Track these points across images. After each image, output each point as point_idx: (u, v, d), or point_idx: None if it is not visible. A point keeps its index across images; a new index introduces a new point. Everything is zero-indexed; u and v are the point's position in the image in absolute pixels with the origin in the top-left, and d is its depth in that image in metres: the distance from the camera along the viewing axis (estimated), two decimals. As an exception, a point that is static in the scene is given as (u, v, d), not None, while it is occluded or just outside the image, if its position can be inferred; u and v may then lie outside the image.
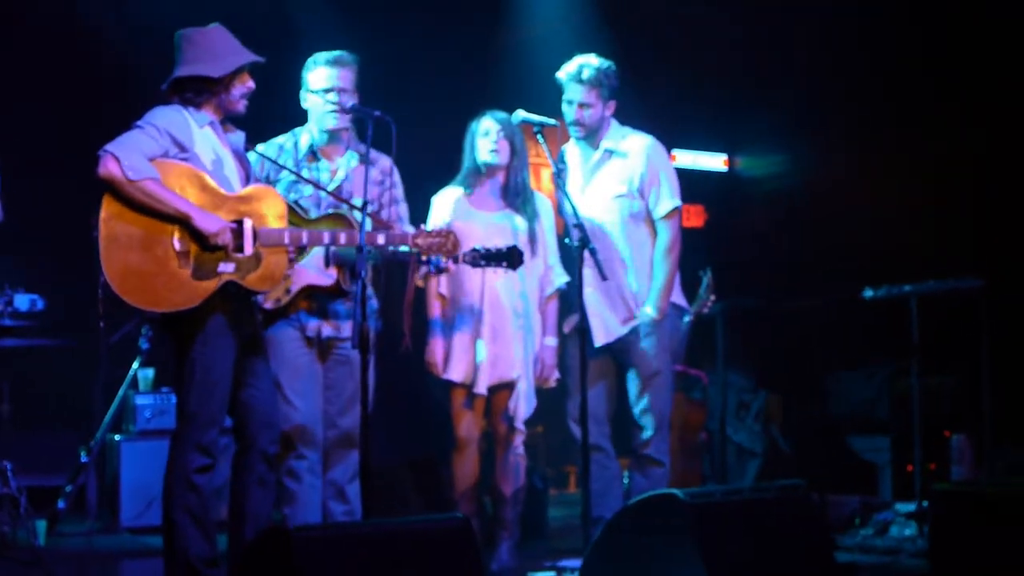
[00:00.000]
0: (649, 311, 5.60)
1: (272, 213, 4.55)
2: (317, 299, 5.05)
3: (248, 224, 4.47)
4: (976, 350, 6.47)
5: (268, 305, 5.00)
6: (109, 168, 4.27)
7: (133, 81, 5.53)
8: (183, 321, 4.45)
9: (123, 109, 4.54)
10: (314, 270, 4.96)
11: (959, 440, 6.67)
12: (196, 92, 4.55)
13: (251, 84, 4.65)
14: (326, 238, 4.65)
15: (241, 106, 4.64)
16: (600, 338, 5.63)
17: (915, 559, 5.73)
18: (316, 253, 4.93)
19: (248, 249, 4.46)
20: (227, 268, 4.44)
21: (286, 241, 4.54)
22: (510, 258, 5.06)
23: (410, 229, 5.19)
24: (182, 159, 4.45)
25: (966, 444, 6.65)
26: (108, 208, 4.31)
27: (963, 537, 4.85)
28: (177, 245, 4.37)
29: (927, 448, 6.50)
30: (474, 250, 5.03)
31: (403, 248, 4.83)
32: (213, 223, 4.38)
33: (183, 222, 4.36)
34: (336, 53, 5.12)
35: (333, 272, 4.95)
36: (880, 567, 5.73)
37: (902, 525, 6.30)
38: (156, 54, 4.91)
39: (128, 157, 4.28)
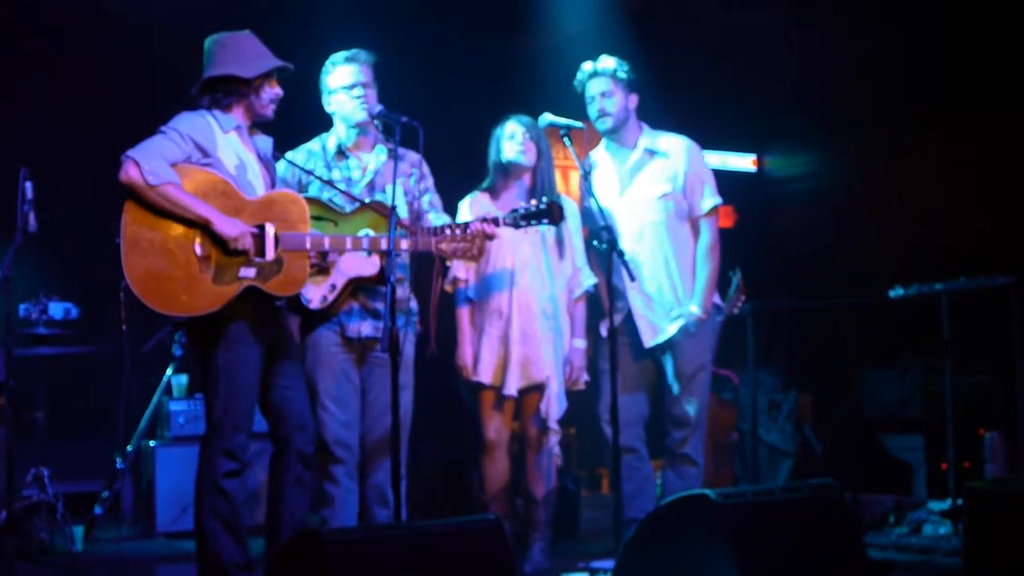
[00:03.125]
0: (694, 310, 5.61)
1: (295, 217, 4.57)
2: (362, 292, 5.05)
3: (270, 229, 4.49)
4: (1008, 347, 6.43)
5: (315, 305, 5.00)
6: (129, 173, 4.31)
7: (162, 86, 5.57)
8: (206, 326, 4.48)
9: (152, 115, 4.57)
10: (358, 261, 4.96)
11: (993, 438, 6.63)
12: (226, 93, 4.60)
13: (280, 91, 4.69)
14: (348, 243, 4.66)
15: (270, 111, 4.68)
16: (648, 339, 5.64)
17: (949, 558, 5.70)
18: None
19: (270, 254, 4.48)
20: (248, 273, 4.46)
21: (308, 246, 4.56)
22: (551, 214, 5.03)
23: (444, 217, 5.21)
24: (205, 164, 4.49)
25: (1000, 442, 6.61)
26: (130, 213, 4.35)
27: (998, 536, 4.82)
28: (198, 250, 4.40)
29: (961, 446, 6.47)
30: (513, 211, 5.03)
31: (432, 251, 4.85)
32: (233, 228, 4.41)
33: (204, 227, 4.39)
34: (352, 51, 5.17)
35: (376, 260, 4.93)
36: (914, 566, 5.71)
37: (936, 524, 6.27)
38: (184, 59, 4.96)
39: (148, 162, 4.31)
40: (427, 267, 5.24)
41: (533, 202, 5.05)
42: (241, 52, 4.62)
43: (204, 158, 4.49)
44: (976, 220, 7.59)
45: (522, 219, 5.02)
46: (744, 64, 8.64)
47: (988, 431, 6.67)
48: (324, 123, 5.29)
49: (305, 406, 4.73)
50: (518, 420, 5.67)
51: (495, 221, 4.98)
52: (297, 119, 4.99)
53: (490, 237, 4.98)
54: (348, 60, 5.15)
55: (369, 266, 4.97)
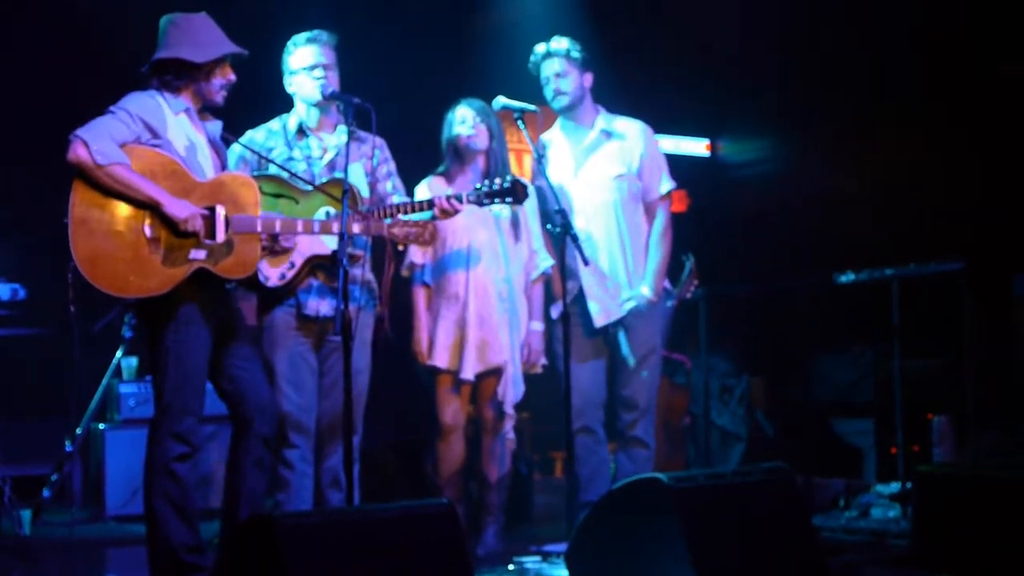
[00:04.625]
0: (645, 291, 5.65)
1: (246, 200, 4.54)
2: (321, 270, 5.03)
3: (220, 211, 4.45)
4: (958, 332, 6.49)
5: (273, 282, 4.96)
6: (78, 153, 4.26)
7: (112, 67, 5.50)
8: (155, 308, 4.44)
9: (102, 95, 4.51)
10: (316, 240, 4.93)
11: (941, 422, 6.70)
12: (175, 76, 4.55)
13: (232, 77, 4.65)
14: (299, 226, 4.64)
15: (220, 97, 4.64)
16: (600, 319, 5.65)
17: (899, 540, 5.75)
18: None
19: (220, 236, 4.44)
20: (198, 255, 4.42)
21: (259, 229, 4.53)
22: (514, 193, 5.03)
23: (404, 200, 5.19)
24: (154, 145, 4.44)
25: (948, 426, 6.68)
26: (78, 193, 4.30)
27: (946, 518, 4.88)
28: (148, 231, 4.36)
29: (910, 430, 6.53)
30: (477, 188, 5.03)
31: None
32: (183, 209, 4.37)
33: (153, 208, 4.35)
34: (315, 32, 5.15)
35: (334, 238, 4.90)
36: (864, 548, 5.76)
37: (886, 507, 6.33)
38: (135, 40, 4.90)
39: (97, 142, 4.27)
40: (382, 250, 5.22)
41: (497, 180, 5.05)
42: (195, 35, 4.57)
43: (154, 139, 4.44)
44: (927, 205, 7.65)
45: (485, 197, 5.03)
46: (698, 49, 8.65)
47: (937, 415, 6.74)
48: (285, 105, 5.27)
49: (264, 387, 4.70)
50: (474, 404, 5.67)
51: (458, 198, 4.99)
52: (257, 99, 4.95)
53: (453, 213, 5.01)
54: (309, 41, 5.13)
55: (327, 245, 4.94)
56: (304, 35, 5.15)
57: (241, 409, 4.61)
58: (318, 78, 5.09)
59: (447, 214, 5.05)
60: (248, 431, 4.61)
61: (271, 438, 4.68)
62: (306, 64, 5.12)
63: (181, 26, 4.57)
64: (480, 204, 5.05)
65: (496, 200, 5.04)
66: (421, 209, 5.01)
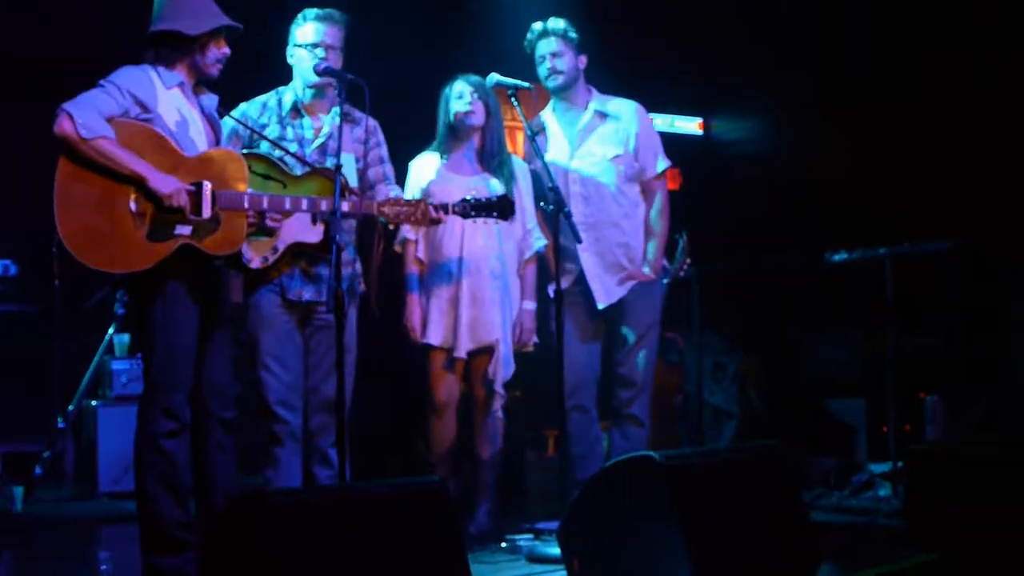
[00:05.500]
0: (645, 270, 5.66)
1: (234, 176, 4.51)
2: (304, 258, 5.02)
3: (207, 187, 4.42)
4: (950, 312, 6.50)
5: (255, 264, 4.94)
6: (63, 126, 4.23)
7: (107, 41, 5.46)
8: (143, 284, 4.42)
9: (95, 69, 4.49)
10: (301, 227, 4.91)
11: (933, 401, 6.71)
12: (170, 48, 4.53)
13: (227, 50, 4.62)
14: (288, 203, 4.60)
15: (215, 70, 4.61)
16: (601, 300, 5.67)
17: (890, 519, 5.77)
18: None
19: (206, 212, 4.41)
20: (183, 231, 4.39)
21: (245, 205, 4.50)
22: (501, 208, 5.01)
23: (396, 190, 5.19)
24: (145, 119, 4.41)
25: (940, 405, 6.69)
26: (64, 167, 4.27)
27: (937, 497, 4.88)
28: (133, 206, 4.33)
29: (902, 409, 6.54)
30: (464, 201, 5.00)
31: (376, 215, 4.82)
32: (167, 184, 4.34)
33: (138, 183, 4.33)
34: (327, 10, 5.12)
35: (320, 228, 4.89)
36: (856, 527, 5.78)
37: (877, 486, 6.35)
38: (128, 15, 4.87)
39: (83, 115, 4.24)
40: (371, 230, 5.21)
41: (485, 196, 5.03)
42: (189, 8, 4.54)
43: (144, 113, 4.41)
44: (921, 184, 7.65)
45: (472, 209, 4.99)
46: (691, 27, 8.63)
47: (929, 395, 6.74)
48: (283, 78, 5.25)
49: (225, 371, 4.66)
50: (466, 382, 5.66)
51: (444, 208, 4.94)
52: (247, 80, 4.92)
53: (437, 222, 4.96)
54: (319, 18, 5.10)
55: (313, 234, 4.92)
56: (315, 11, 5.11)
57: (198, 392, 4.56)
58: (318, 56, 5.05)
59: (432, 222, 4.98)
60: (205, 414, 4.58)
61: (231, 421, 4.65)
62: (308, 40, 5.09)
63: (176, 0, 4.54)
64: (465, 216, 5.00)
65: (483, 214, 5.00)
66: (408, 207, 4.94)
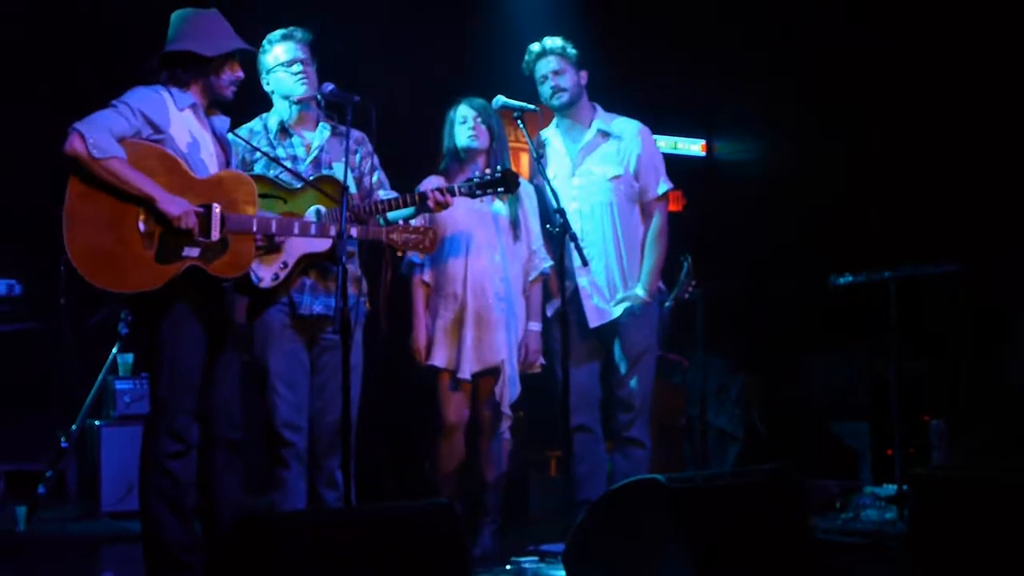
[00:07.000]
0: (640, 292, 5.64)
1: (244, 199, 4.52)
2: (313, 269, 5.01)
3: (216, 209, 4.43)
4: (955, 334, 6.49)
5: (266, 284, 4.94)
6: (74, 145, 4.24)
7: (114, 61, 5.49)
8: (151, 306, 4.43)
9: (104, 89, 4.50)
10: (307, 238, 4.91)
11: (938, 424, 6.70)
12: (184, 69, 4.55)
13: (240, 73, 4.65)
14: (296, 228, 4.63)
15: (229, 92, 4.63)
16: (594, 320, 5.65)
17: (894, 543, 5.75)
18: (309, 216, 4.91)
19: (215, 234, 4.42)
20: (191, 252, 4.40)
21: (254, 229, 4.51)
22: (506, 183, 5.03)
23: (393, 194, 5.18)
24: (156, 140, 4.42)
25: (945, 429, 6.68)
26: (74, 186, 4.29)
27: (942, 521, 4.87)
28: (142, 227, 4.34)
29: (906, 433, 6.53)
30: (468, 180, 5.01)
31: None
32: (176, 206, 4.35)
33: (148, 204, 4.33)
34: (288, 29, 5.13)
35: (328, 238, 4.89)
36: (860, 550, 5.76)
37: (882, 509, 6.34)
38: (138, 39, 4.89)
39: (94, 135, 4.25)
40: (377, 250, 5.20)
41: (488, 171, 5.03)
42: (205, 30, 4.57)
43: (156, 134, 4.43)
44: (925, 207, 7.65)
45: (478, 188, 5.02)
46: (695, 49, 8.65)
47: (934, 418, 6.73)
48: (264, 105, 5.25)
49: (232, 392, 4.67)
50: (471, 404, 5.65)
51: (451, 190, 4.98)
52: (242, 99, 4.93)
53: (445, 206, 5.00)
54: (284, 38, 5.12)
55: (320, 243, 4.91)
56: (278, 32, 5.13)
57: (206, 415, 4.58)
58: (296, 73, 5.07)
59: (440, 206, 5.03)
60: (212, 437, 4.59)
61: (238, 442, 4.65)
62: (283, 60, 5.10)
63: (192, 21, 4.57)
64: (472, 196, 5.05)
65: (488, 191, 5.03)
66: (413, 203, 4.99)
